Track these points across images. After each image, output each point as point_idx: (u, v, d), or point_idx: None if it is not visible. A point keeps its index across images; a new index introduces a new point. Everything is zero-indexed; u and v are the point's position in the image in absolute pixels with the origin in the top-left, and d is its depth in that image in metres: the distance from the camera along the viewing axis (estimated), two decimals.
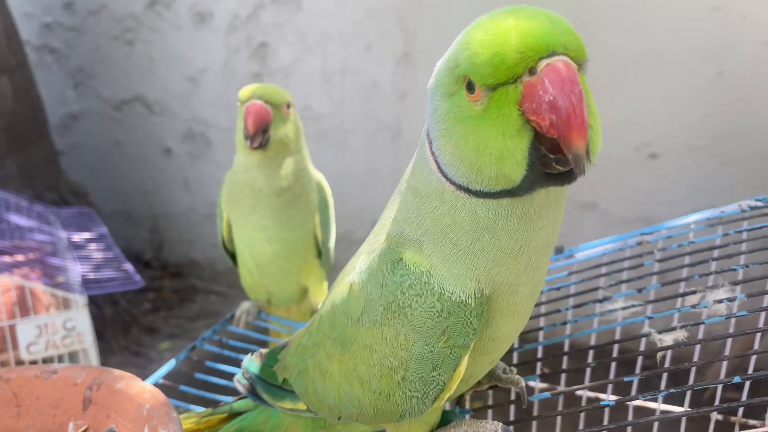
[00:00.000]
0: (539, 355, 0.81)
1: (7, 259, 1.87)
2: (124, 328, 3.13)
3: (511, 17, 0.49)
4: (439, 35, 2.84)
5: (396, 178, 3.13)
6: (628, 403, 0.68)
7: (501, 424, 0.64)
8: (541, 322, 0.85)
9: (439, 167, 0.56)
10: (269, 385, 0.77)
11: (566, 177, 0.51)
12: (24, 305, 1.74)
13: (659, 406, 0.79)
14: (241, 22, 3.15)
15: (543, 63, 0.47)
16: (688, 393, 0.69)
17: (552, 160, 0.49)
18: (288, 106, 1.09)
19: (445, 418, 0.70)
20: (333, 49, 3.03)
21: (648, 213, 2.73)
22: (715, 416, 0.80)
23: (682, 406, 0.80)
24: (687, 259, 0.83)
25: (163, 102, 3.45)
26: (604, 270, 0.88)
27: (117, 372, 0.76)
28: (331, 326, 0.65)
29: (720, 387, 0.64)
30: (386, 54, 2.95)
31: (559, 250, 0.98)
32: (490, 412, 0.78)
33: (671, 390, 0.63)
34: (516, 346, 0.85)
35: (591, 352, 0.81)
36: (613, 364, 0.79)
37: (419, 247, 0.58)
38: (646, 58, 2.55)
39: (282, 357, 0.78)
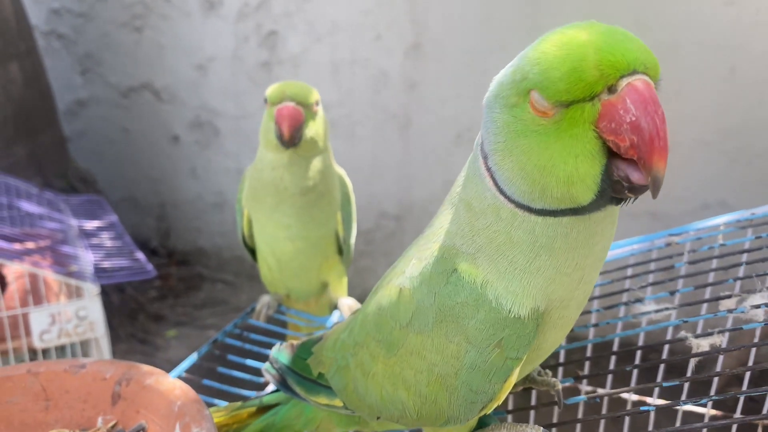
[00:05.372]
0: (588, 353, 0.80)
1: (18, 246, 1.87)
2: (130, 315, 3.14)
3: (585, 32, 0.48)
4: (449, 26, 2.82)
5: (404, 169, 3.14)
6: (674, 408, 0.67)
7: (541, 428, 0.64)
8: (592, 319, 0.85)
9: (495, 183, 0.55)
10: (302, 378, 0.77)
11: (634, 198, 0.50)
12: (37, 293, 1.74)
13: (709, 411, 0.79)
14: (251, 10, 3.14)
15: (624, 81, 0.46)
16: (742, 398, 0.69)
17: (625, 188, 0.48)
18: (317, 104, 1.08)
19: (483, 421, 0.70)
20: (342, 39, 3.02)
21: (656, 207, 2.73)
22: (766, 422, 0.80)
23: (722, 410, 0.80)
24: (716, 263, 0.82)
25: (171, 89, 3.44)
26: (630, 272, 0.88)
27: (146, 367, 0.76)
28: (377, 328, 0.65)
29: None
30: (396, 44, 2.93)
31: None
32: (531, 413, 0.78)
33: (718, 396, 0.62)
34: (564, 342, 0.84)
35: (634, 354, 0.80)
36: (661, 368, 0.78)
37: (474, 260, 0.58)
38: (658, 53, 2.50)
39: (317, 351, 0.78)
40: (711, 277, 0.81)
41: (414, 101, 3.00)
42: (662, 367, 0.77)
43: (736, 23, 2.41)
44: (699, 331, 0.71)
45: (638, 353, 0.79)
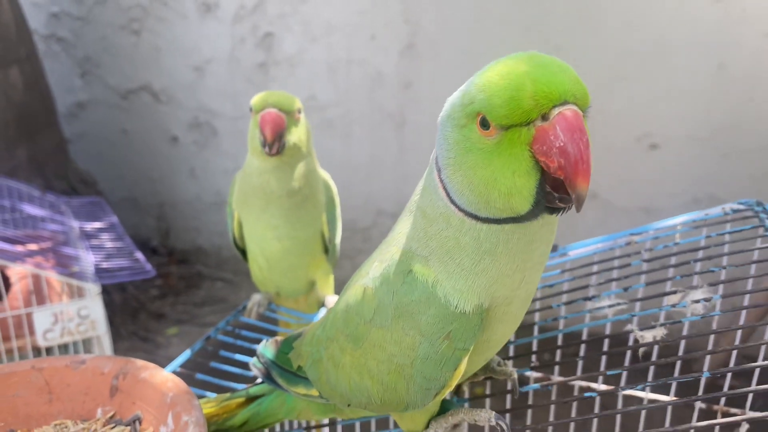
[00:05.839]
0: (533, 348, 0.86)
1: (21, 248, 1.93)
2: (132, 313, 3.19)
3: (524, 64, 0.54)
4: (442, 26, 2.86)
5: (400, 168, 3.19)
6: (618, 393, 0.73)
7: (494, 412, 0.70)
8: (536, 317, 0.91)
9: (447, 193, 0.61)
10: (284, 371, 0.83)
11: (563, 209, 0.56)
12: (40, 293, 1.80)
13: (647, 395, 0.85)
14: (247, 12, 3.18)
15: (555, 111, 0.52)
16: (674, 384, 0.75)
17: (556, 198, 0.54)
18: (299, 112, 1.13)
19: (444, 407, 0.77)
20: (338, 39, 3.06)
21: (649, 203, 2.77)
22: (699, 404, 0.86)
23: (668, 395, 0.86)
24: (673, 260, 0.87)
25: (169, 91, 3.49)
26: (595, 268, 0.93)
27: (141, 362, 0.81)
28: (345, 323, 0.71)
29: (703, 378, 0.69)
30: (390, 44, 2.97)
31: (553, 248, 1.03)
32: (487, 401, 0.84)
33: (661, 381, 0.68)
34: (512, 339, 0.91)
35: (583, 347, 0.87)
36: (603, 358, 0.84)
37: (427, 262, 0.64)
38: (647, 51, 2.57)
39: (297, 345, 0.84)
40: (666, 274, 0.86)
41: (409, 100, 3.04)
42: (604, 357, 0.83)
43: (723, 21, 2.44)
44: (656, 323, 0.76)
45: (582, 346, 0.84)
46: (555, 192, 0.54)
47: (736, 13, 2.42)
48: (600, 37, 2.60)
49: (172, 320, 3.22)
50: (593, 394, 0.71)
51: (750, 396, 0.75)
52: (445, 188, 0.61)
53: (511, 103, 0.52)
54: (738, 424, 0.67)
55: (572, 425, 0.81)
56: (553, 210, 0.56)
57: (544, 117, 0.53)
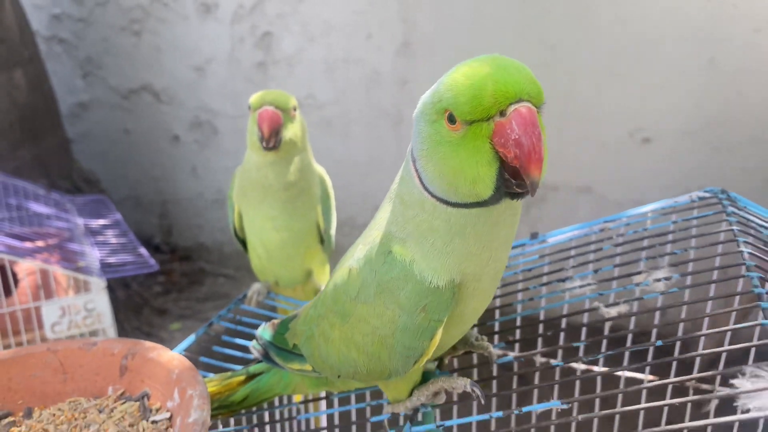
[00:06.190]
0: (517, 324, 0.93)
1: (29, 244, 1.99)
2: (135, 310, 3.25)
3: (486, 66, 0.60)
4: (437, 25, 2.91)
5: (397, 165, 3.23)
6: (578, 365, 0.80)
7: (469, 380, 0.77)
8: (519, 296, 0.97)
9: (421, 181, 0.68)
10: (281, 350, 0.90)
11: (521, 194, 0.63)
12: (48, 288, 1.86)
13: (600, 369, 0.92)
14: (246, 12, 3.23)
15: (512, 107, 0.59)
16: (627, 354, 0.82)
17: (514, 185, 0.61)
18: (294, 109, 1.20)
19: (426, 377, 0.84)
20: (335, 39, 3.11)
21: (642, 196, 2.81)
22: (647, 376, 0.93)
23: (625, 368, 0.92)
24: (644, 243, 0.93)
25: (170, 91, 3.54)
26: (573, 253, 0.99)
27: (148, 343, 0.87)
28: (334, 302, 0.78)
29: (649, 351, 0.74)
30: (387, 43, 3.02)
31: (534, 236, 1.09)
32: (475, 371, 0.91)
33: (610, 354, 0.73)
34: (498, 316, 0.98)
35: (541, 326, 0.94)
36: (561, 334, 0.91)
37: (404, 243, 0.71)
38: (639, 47, 2.62)
39: (292, 326, 0.91)
40: (632, 257, 0.92)
41: (405, 98, 3.09)
42: (562, 333, 0.90)
43: (714, 17, 2.49)
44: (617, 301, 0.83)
45: (559, 323, 0.92)
46: (513, 179, 0.60)
47: (726, 9, 2.46)
48: (593, 34, 2.65)
49: (176, 316, 3.28)
50: (559, 364, 0.77)
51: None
52: (419, 177, 0.68)
53: (474, 101, 0.59)
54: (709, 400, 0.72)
55: (535, 392, 0.87)
56: (513, 195, 0.63)
57: (503, 113, 0.59)
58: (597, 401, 0.84)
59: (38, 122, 3.09)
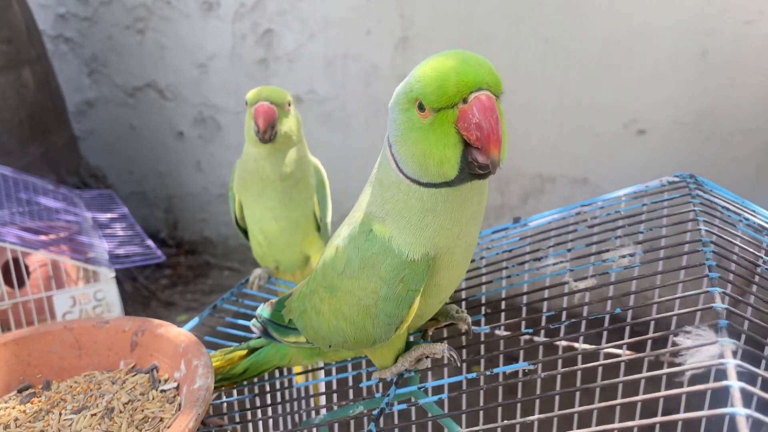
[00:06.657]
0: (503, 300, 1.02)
1: (41, 237, 2.06)
2: (143, 302, 3.32)
3: (451, 60, 0.68)
4: (434, 20, 2.96)
5: None
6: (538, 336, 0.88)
7: (447, 345, 0.84)
8: (503, 273, 1.05)
9: (397, 164, 0.75)
10: (278, 326, 0.97)
11: (484, 174, 0.70)
12: (59, 278, 1.94)
13: (561, 342, 0.99)
14: (247, 9, 3.28)
15: (473, 95, 0.66)
16: (584, 323, 0.90)
17: (476, 166, 0.68)
18: (289, 105, 1.27)
19: (409, 346, 0.92)
20: (334, 35, 3.16)
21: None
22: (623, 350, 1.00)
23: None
24: (619, 222, 1.00)
25: (174, 88, 3.61)
26: (553, 234, 1.06)
27: (157, 321, 0.95)
28: (323, 277, 0.86)
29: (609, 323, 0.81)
30: (385, 38, 3.06)
31: (516, 220, 1.15)
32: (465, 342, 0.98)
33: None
34: (484, 290, 1.05)
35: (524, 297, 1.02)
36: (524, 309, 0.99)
37: (383, 222, 0.78)
38: (633, 40, 2.66)
39: (288, 303, 0.99)
40: (604, 236, 0.99)
41: None
42: (525, 308, 0.98)
43: (706, 9, 2.53)
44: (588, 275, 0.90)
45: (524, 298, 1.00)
46: (476, 161, 0.68)
47: (718, 1, 2.50)
48: (587, 27, 2.70)
49: (182, 308, 3.35)
50: (528, 331, 0.84)
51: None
52: (395, 161, 0.75)
53: (439, 90, 0.66)
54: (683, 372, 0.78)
55: (501, 357, 0.95)
56: (477, 176, 0.70)
57: (465, 101, 0.67)
58: (559, 362, 0.92)
59: (46, 120, 3.16)
